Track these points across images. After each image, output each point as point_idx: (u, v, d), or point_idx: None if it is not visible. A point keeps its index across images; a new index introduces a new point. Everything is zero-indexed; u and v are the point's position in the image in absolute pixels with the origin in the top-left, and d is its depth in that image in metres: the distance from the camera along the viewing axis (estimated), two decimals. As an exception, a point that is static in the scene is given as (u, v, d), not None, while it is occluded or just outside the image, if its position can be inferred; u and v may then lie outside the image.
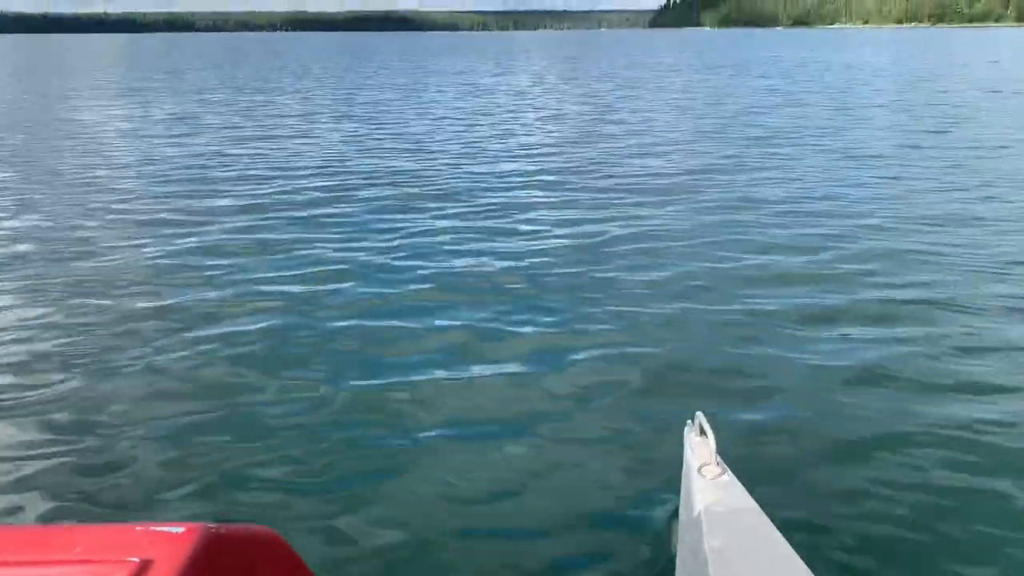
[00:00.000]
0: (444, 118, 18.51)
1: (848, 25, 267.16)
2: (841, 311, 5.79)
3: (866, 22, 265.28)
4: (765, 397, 4.55)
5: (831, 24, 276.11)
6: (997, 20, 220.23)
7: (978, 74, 31.90)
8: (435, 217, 8.55)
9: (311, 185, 10.38)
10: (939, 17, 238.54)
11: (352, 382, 4.62)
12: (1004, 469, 3.81)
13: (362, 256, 7.14)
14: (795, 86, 27.28)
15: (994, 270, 6.72)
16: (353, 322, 5.55)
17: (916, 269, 6.79)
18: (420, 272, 6.67)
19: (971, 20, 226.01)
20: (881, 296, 6.11)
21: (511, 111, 19.81)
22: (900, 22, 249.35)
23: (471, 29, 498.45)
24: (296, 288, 6.26)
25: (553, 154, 12.77)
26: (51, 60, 60.40)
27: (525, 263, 6.93)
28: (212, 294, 6.15)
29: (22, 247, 7.57)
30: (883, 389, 4.64)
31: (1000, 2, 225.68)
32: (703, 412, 2.88)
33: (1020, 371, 4.82)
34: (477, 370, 4.84)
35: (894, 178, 10.69)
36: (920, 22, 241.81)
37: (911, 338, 5.33)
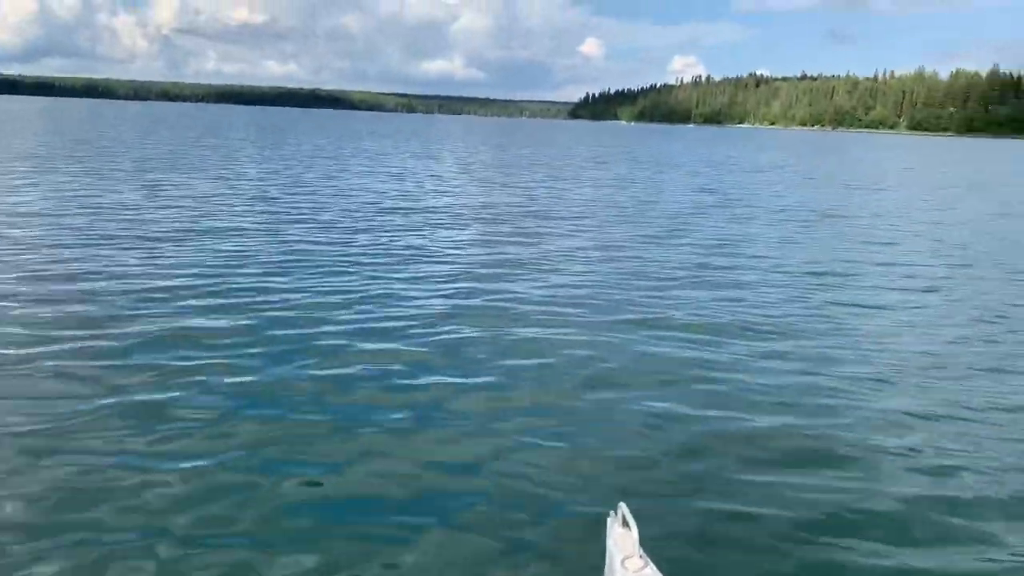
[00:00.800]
0: (366, 205, 17.40)
1: (755, 125, 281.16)
2: (756, 403, 6.08)
3: (772, 123, 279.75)
4: (689, 487, 4.66)
5: (740, 123, 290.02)
6: (891, 127, 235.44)
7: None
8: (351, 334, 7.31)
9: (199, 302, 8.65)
10: (839, 122, 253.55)
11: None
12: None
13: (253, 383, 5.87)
14: (719, 182, 27.56)
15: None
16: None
17: (821, 355, 7.41)
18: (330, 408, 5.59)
19: (867, 126, 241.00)
20: (797, 381, 6.61)
21: (437, 204, 18.83)
22: (804, 124, 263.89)
23: (396, 110, 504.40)
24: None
25: (481, 263, 11.70)
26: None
27: (441, 360, 6.85)
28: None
29: None
30: (803, 475, 4.84)
31: (893, 111, 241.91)
32: (626, 503, 2.84)
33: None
34: (392, 478, 4.69)
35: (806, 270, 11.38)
36: (822, 126, 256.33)
37: (826, 421, 5.75)
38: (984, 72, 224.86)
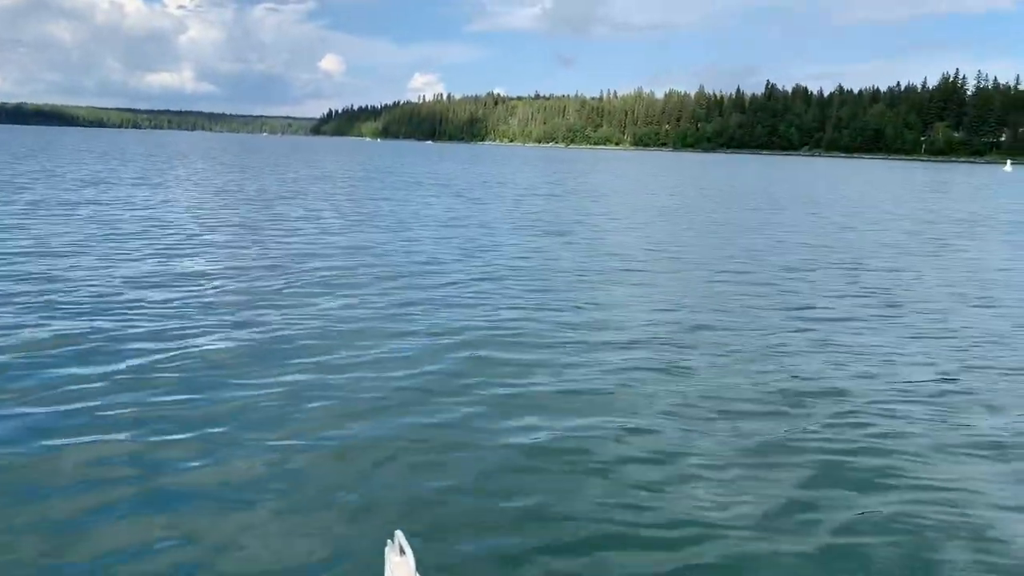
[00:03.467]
0: (62, 286, 14.68)
1: (496, 142, 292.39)
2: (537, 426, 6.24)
3: (512, 140, 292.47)
4: (467, 512, 4.74)
5: (482, 141, 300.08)
6: (617, 143, 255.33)
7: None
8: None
9: None
10: (571, 139, 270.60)
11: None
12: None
13: None
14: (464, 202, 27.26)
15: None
16: None
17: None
18: None
19: (596, 142, 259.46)
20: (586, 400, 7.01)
21: (176, 268, 16.47)
22: (540, 141, 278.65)
23: (120, 127, 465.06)
24: None
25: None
26: None
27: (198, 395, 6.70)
28: None
29: None
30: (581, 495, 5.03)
31: (618, 130, 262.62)
32: (402, 531, 2.95)
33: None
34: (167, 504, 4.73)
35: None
36: (556, 142, 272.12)
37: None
38: (692, 93, 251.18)
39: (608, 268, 14.78)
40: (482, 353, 8.26)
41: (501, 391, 7.08)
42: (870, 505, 5.08)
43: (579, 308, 10.79)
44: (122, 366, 7.32)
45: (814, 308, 11.44)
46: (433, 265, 14.19)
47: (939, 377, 8.06)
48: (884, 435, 6.31)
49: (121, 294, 10.53)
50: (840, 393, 7.39)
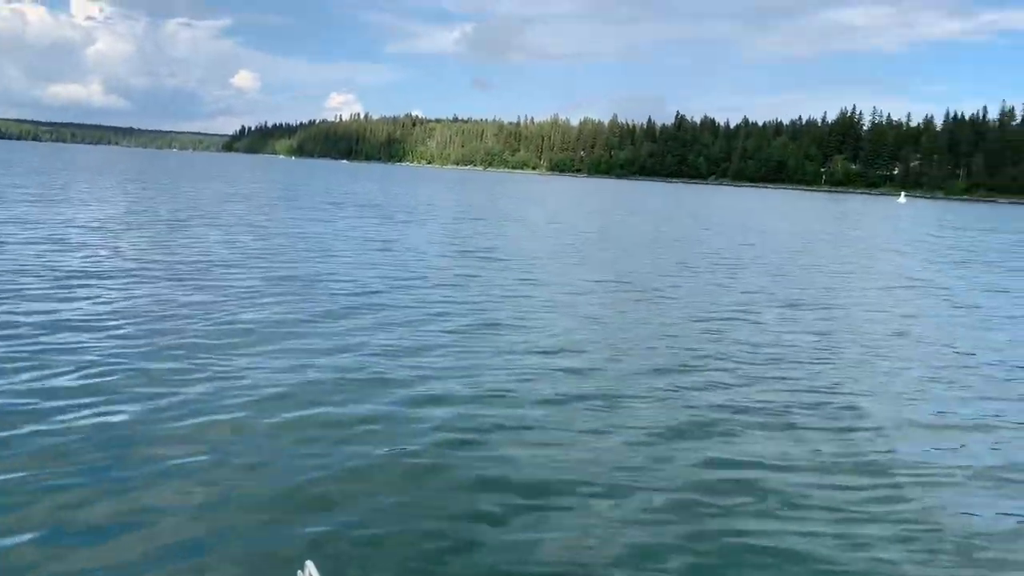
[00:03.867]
0: None
1: (414, 163, 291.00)
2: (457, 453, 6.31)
3: (430, 162, 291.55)
4: (380, 539, 4.71)
5: (400, 161, 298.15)
6: (533, 168, 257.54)
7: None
8: None
9: None
10: (489, 162, 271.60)
11: None
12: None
13: None
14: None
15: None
16: None
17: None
18: None
19: (514, 167, 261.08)
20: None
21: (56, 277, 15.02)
22: (458, 164, 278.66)
23: (19, 138, 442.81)
24: None
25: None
26: None
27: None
28: None
29: None
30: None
31: (535, 155, 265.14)
32: (313, 561, 2.95)
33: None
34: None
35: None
36: (475, 165, 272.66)
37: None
38: (606, 121, 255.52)
39: (553, 299, 14.17)
40: (447, 413, 7.39)
41: (471, 465, 6.23)
42: None
43: (538, 350, 10.07)
44: (21, 431, 6.17)
45: (795, 346, 11.06)
46: (367, 297, 13.26)
47: (949, 438, 7.69)
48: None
49: (19, 339, 9.21)
50: (850, 453, 6.90)
